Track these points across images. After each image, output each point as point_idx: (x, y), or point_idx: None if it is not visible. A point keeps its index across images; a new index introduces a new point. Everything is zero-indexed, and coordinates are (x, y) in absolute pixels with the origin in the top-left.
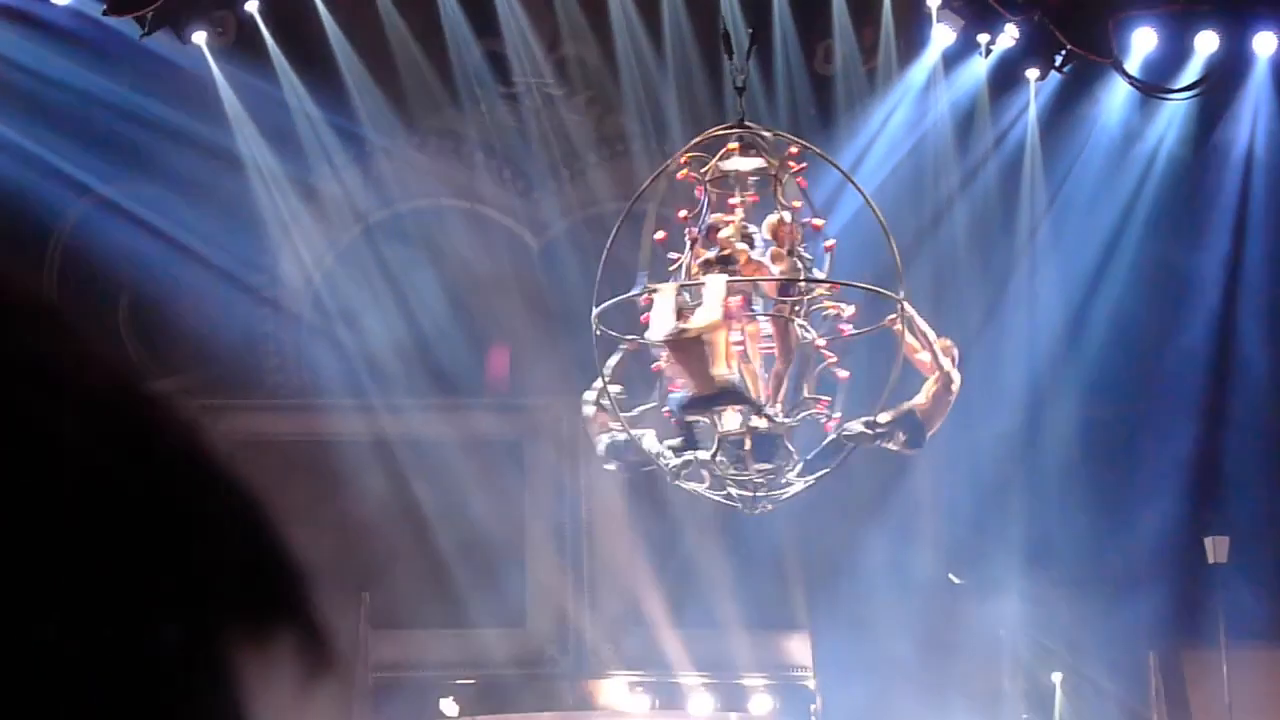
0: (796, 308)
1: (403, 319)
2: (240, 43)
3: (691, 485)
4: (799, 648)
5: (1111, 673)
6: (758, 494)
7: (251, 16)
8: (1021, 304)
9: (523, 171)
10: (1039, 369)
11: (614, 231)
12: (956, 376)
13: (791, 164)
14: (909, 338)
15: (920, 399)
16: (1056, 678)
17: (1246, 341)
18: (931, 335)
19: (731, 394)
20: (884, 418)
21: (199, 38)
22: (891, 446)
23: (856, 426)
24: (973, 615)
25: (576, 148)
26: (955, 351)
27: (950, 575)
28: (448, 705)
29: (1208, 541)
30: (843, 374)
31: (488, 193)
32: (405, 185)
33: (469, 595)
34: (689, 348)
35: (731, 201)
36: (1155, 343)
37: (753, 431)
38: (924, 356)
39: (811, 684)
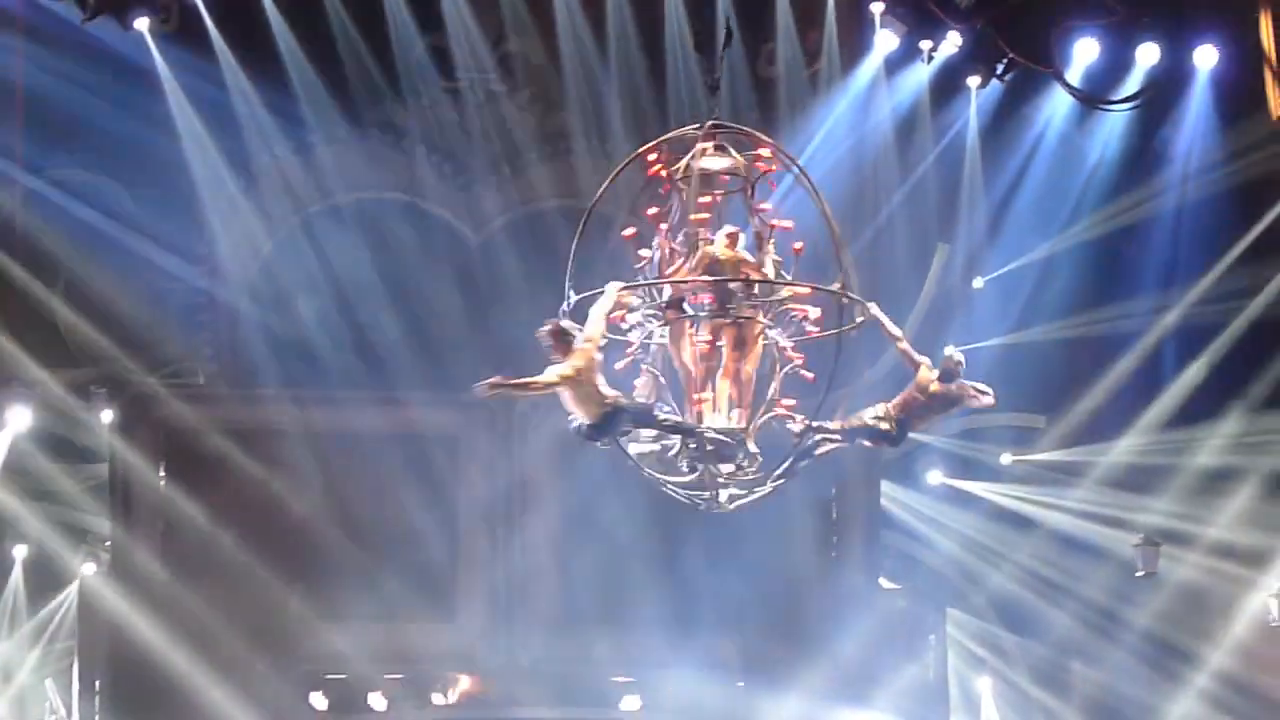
0: (763, 313)
1: (340, 310)
2: (183, 30)
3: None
4: (727, 649)
5: (1035, 679)
6: (720, 493)
7: (195, 4)
8: (959, 308)
9: (464, 166)
10: (971, 373)
11: (581, 225)
12: (933, 374)
13: (763, 166)
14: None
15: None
16: (984, 683)
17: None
18: (898, 332)
19: (623, 415)
20: (868, 414)
21: (141, 24)
22: (867, 443)
23: (835, 424)
24: (900, 619)
25: (518, 144)
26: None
27: (882, 581)
28: (376, 699)
29: (1136, 550)
30: (808, 375)
31: (428, 186)
32: (345, 177)
33: (401, 589)
34: (571, 385)
35: (702, 200)
36: (1091, 352)
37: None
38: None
39: (740, 683)
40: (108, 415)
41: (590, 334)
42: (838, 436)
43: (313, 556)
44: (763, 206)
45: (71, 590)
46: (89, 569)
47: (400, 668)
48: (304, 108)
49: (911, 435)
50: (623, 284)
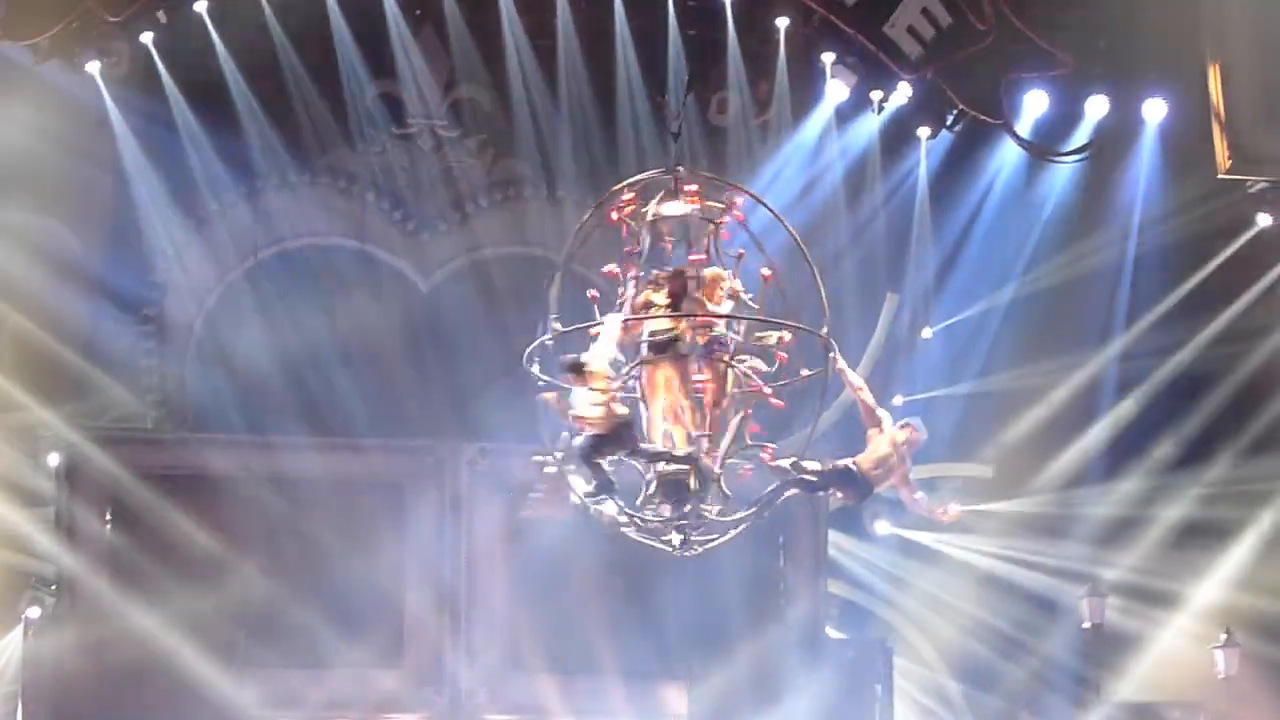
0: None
1: (289, 355)
2: (134, 74)
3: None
4: (675, 698)
5: None
6: (688, 535)
7: (147, 49)
8: (907, 357)
9: (413, 212)
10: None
11: (560, 268)
12: (900, 436)
13: (738, 215)
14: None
15: (865, 455)
16: None
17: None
18: (859, 381)
19: (627, 433)
20: (815, 465)
21: (93, 68)
22: (839, 492)
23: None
24: (849, 671)
25: (468, 191)
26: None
27: (828, 630)
28: None
29: (1083, 602)
30: (778, 403)
31: (377, 232)
32: (295, 222)
33: (346, 635)
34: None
35: (693, 257)
36: (1036, 397)
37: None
38: (866, 397)
39: None
40: (54, 459)
41: (603, 356)
42: (815, 479)
43: (258, 602)
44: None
45: (15, 634)
46: (34, 613)
47: (345, 713)
48: (254, 153)
49: None
50: (623, 316)
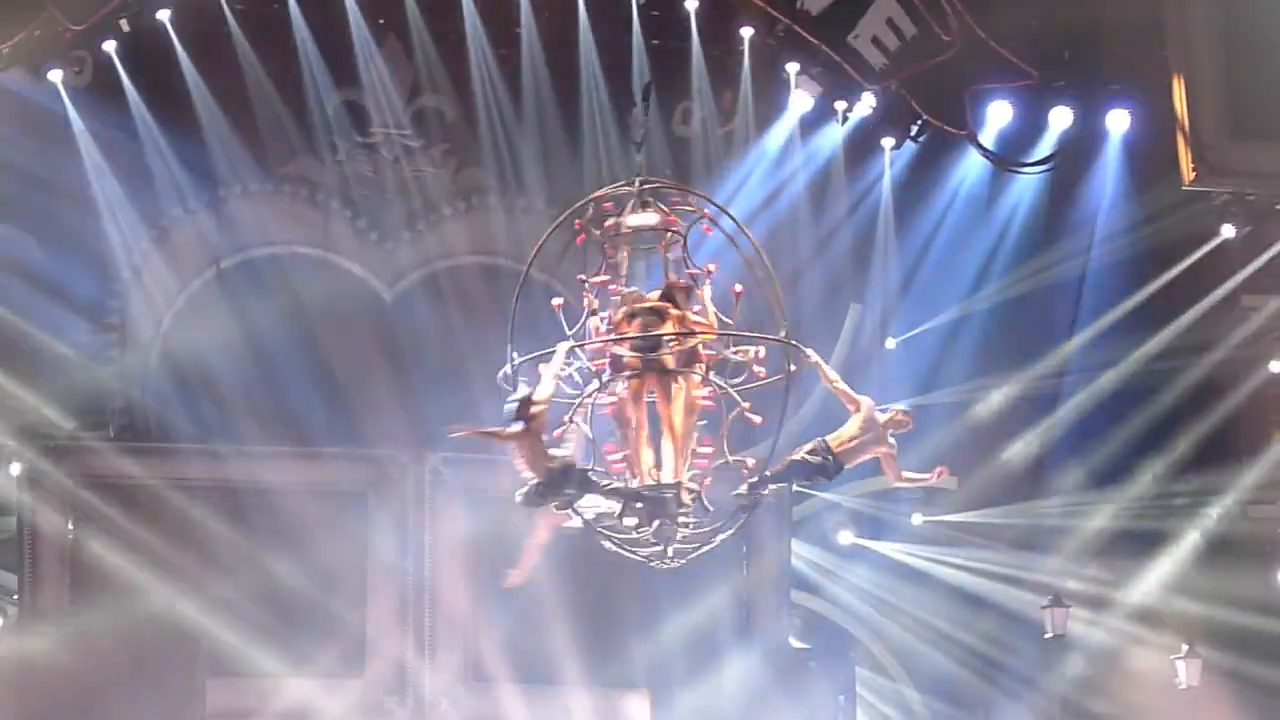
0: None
1: (252, 364)
2: (97, 83)
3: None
4: (638, 707)
5: None
6: (670, 550)
7: (109, 57)
8: (871, 367)
9: (377, 221)
10: None
11: (520, 283)
12: (882, 417)
13: (706, 228)
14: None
15: (834, 435)
16: None
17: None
18: (834, 374)
19: (571, 476)
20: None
21: (55, 76)
22: (804, 480)
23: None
24: (811, 679)
25: (432, 199)
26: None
27: (791, 640)
28: None
29: (1045, 613)
30: (756, 419)
31: (341, 241)
32: (259, 231)
33: (309, 644)
34: (521, 438)
35: (691, 271)
36: (993, 415)
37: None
38: (843, 386)
39: None
40: (16, 468)
41: (542, 394)
42: (779, 478)
43: (221, 610)
44: (709, 268)
45: None
46: None
47: None
48: (217, 161)
49: (821, 494)
50: (573, 343)
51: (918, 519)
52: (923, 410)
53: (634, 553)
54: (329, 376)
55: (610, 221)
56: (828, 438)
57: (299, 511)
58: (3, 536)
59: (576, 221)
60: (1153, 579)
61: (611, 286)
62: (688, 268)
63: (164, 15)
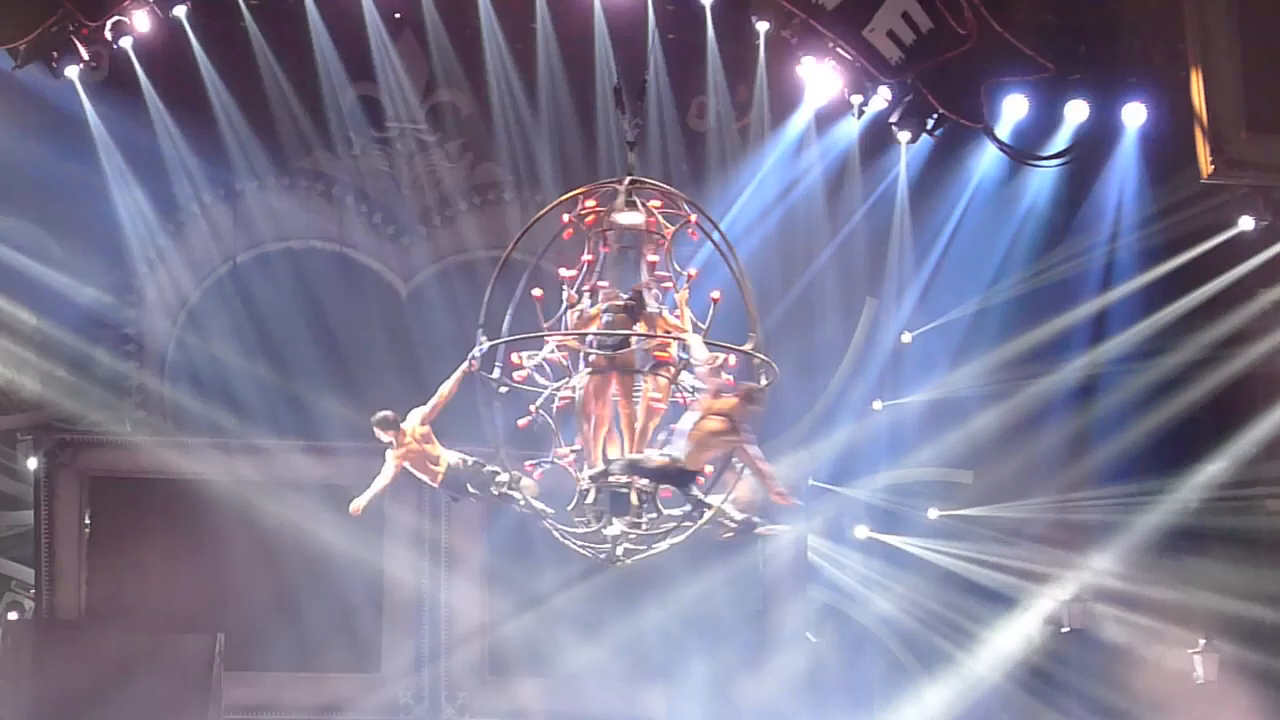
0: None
1: (267, 359)
2: (113, 78)
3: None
4: (656, 700)
5: None
6: (617, 547)
7: (126, 53)
8: (886, 360)
9: (393, 216)
10: (899, 427)
11: (493, 278)
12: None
13: (692, 232)
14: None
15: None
16: None
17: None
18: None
19: (460, 479)
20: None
21: (72, 72)
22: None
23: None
24: (832, 672)
25: (447, 194)
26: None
27: (808, 635)
28: None
29: (1063, 608)
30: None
31: (357, 236)
32: (274, 225)
33: (325, 639)
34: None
35: (660, 275)
36: (1017, 402)
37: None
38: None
39: None
40: (33, 462)
41: (427, 411)
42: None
43: (237, 605)
44: (690, 273)
45: None
46: (12, 616)
47: (323, 718)
48: (233, 156)
49: (839, 490)
50: (488, 342)
51: (934, 514)
52: (940, 405)
53: (584, 548)
54: (344, 371)
55: (590, 218)
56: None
57: (315, 506)
58: (20, 531)
59: (567, 215)
60: (1170, 573)
61: (593, 282)
62: (668, 270)
63: (180, 11)
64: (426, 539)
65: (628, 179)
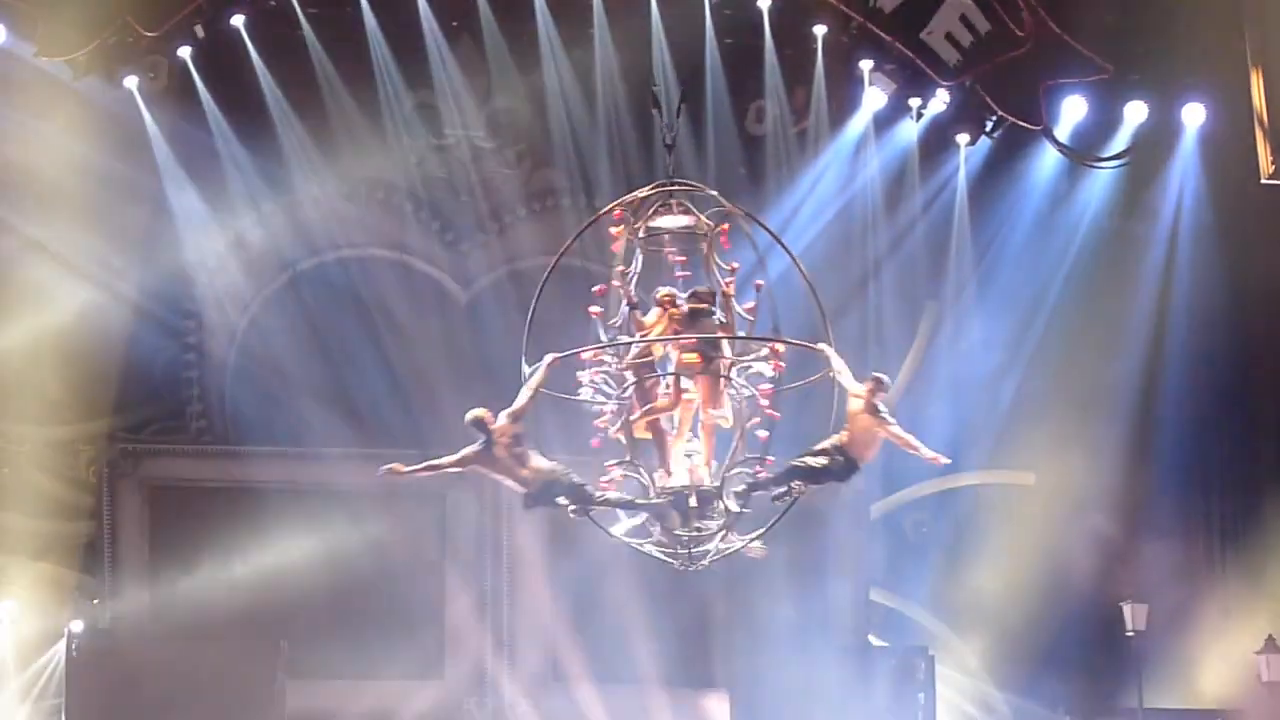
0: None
1: (327, 367)
2: (172, 89)
3: (630, 539)
4: (717, 707)
5: None
6: (693, 551)
7: (184, 63)
8: (946, 364)
9: (451, 223)
10: (961, 430)
11: (540, 286)
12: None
13: (723, 228)
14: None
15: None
16: None
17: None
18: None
19: (555, 489)
20: (814, 458)
21: (130, 82)
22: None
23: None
24: (892, 679)
25: (506, 201)
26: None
27: (870, 638)
28: None
29: (1126, 609)
30: (773, 413)
31: (416, 244)
32: (333, 234)
33: (387, 646)
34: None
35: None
36: (1077, 404)
37: (690, 490)
38: (856, 404)
39: None
40: (95, 473)
41: (514, 409)
42: (779, 483)
43: (300, 614)
44: (732, 266)
45: (59, 647)
46: (77, 626)
47: None
48: (292, 164)
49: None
50: (555, 354)
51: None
52: (1001, 406)
53: (666, 557)
54: (404, 378)
55: (638, 224)
56: (838, 437)
57: (376, 513)
58: (83, 541)
59: (616, 221)
60: (1236, 574)
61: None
62: (716, 270)
63: (238, 20)
64: (489, 545)
65: (660, 183)
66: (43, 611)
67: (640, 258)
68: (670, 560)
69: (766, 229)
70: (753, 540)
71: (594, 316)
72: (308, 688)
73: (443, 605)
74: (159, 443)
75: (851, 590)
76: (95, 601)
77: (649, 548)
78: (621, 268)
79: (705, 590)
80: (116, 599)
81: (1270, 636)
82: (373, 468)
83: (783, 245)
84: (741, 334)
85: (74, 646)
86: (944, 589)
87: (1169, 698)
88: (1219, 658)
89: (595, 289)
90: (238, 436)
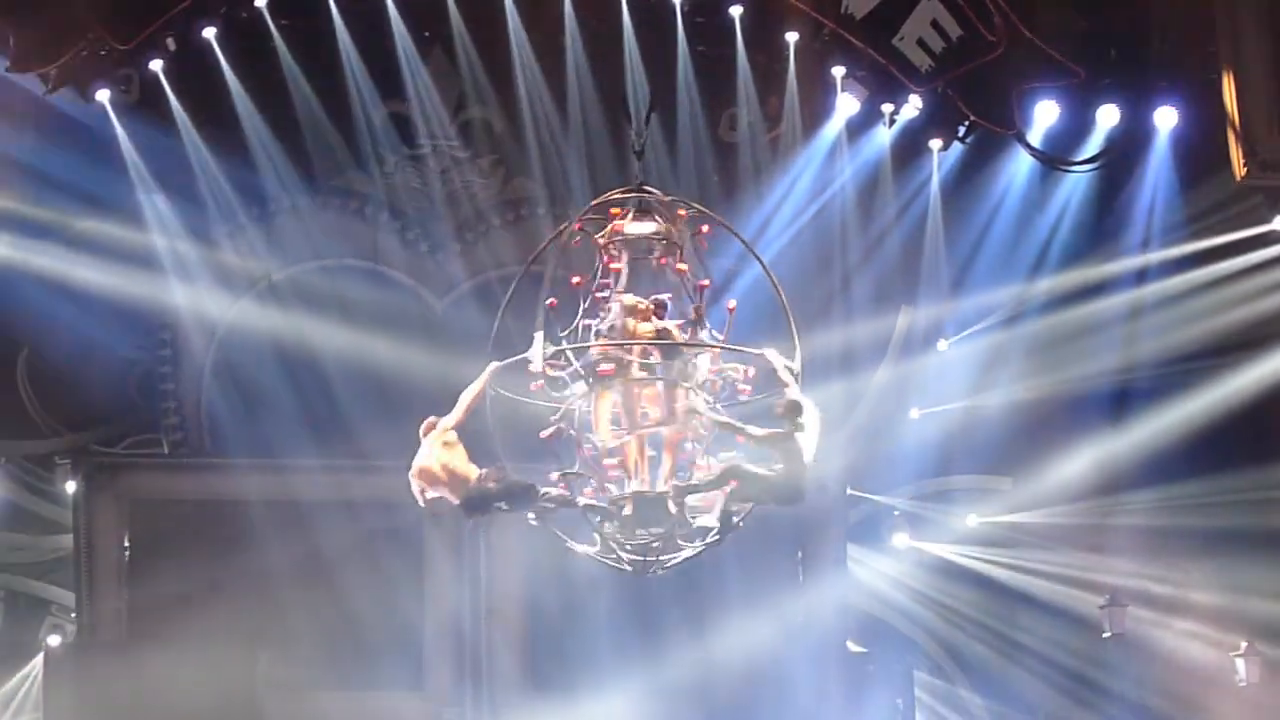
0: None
1: (303, 378)
2: (144, 101)
3: (581, 548)
4: (695, 716)
5: None
6: (648, 558)
7: (156, 76)
8: (922, 370)
9: (427, 233)
10: (938, 438)
11: (508, 294)
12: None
13: (700, 230)
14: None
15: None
16: None
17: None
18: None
19: (489, 498)
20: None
21: (103, 95)
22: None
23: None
24: (869, 683)
25: (480, 210)
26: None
27: (849, 644)
28: None
29: (1104, 613)
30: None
31: (391, 253)
32: (308, 244)
33: (366, 658)
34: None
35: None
36: (1047, 416)
37: (636, 496)
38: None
39: None
40: (71, 486)
41: (447, 422)
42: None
43: (278, 625)
44: (680, 267)
45: (36, 662)
46: (54, 640)
47: None
48: (265, 176)
49: (877, 497)
50: (497, 363)
51: (973, 520)
52: (977, 411)
53: (616, 563)
54: (381, 389)
55: (598, 232)
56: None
57: (354, 525)
58: (59, 555)
59: (577, 225)
60: (1212, 576)
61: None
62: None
63: (210, 33)
64: (467, 555)
65: (631, 188)
66: (20, 626)
67: (626, 265)
68: (621, 567)
69: (736, 235)
70: (703, 549)
71: (551, 307)
72: (287, 700)
73: (420, 617)
74: (135, 456)
75: (829, 596)
76: (72, 615)
77: (599, 554)
78: (590, 275)
79: (682, 601)
80: (93, 613)
81: (1249, 639)
82: (350, 479)
83: (752, 252)
84: (681, 340)
85: (50, 661)
86: (922, 594)
87: (1146, 700)
88: (1196, 660)
89: (548, 302)
90: (214, 449)
